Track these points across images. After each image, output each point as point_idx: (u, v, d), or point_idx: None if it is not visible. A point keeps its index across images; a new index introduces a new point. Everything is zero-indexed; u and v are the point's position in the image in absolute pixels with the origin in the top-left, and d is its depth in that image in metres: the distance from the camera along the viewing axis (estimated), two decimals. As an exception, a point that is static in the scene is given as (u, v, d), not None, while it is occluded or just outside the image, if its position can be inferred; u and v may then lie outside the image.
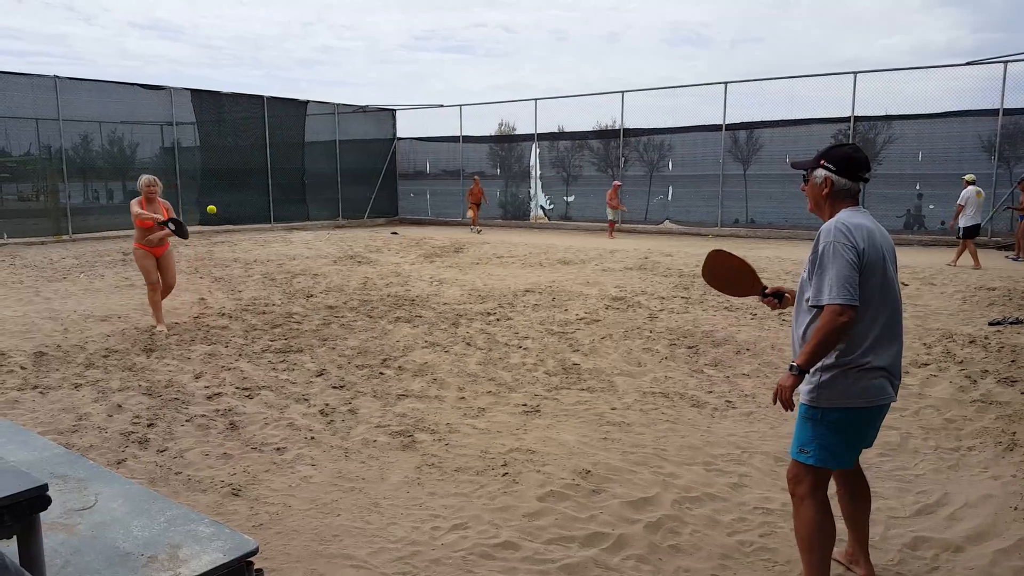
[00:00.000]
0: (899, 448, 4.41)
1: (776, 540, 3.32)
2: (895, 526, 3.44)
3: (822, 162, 2.79)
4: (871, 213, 2.85)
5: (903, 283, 10.14)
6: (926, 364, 6.12)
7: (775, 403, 2.68)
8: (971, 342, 6.76)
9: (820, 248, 2.63)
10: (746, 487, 3.87)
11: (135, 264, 7.96)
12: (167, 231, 7.54)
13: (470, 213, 21.31)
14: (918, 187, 17.22)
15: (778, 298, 3.11)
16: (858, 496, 3.00)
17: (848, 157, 2.75)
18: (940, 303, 8.75)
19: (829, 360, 2.63)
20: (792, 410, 2.71)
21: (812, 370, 2.66)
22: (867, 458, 4.24)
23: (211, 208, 13.59)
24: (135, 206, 7.39)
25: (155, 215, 7.43)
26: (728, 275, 3.27)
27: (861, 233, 2.61)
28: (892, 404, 2.81)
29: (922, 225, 17.26)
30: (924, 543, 3.27)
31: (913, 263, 12.48)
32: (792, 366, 2.62)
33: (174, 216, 7.67)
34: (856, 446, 2.77)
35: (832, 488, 2.97)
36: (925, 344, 6.77)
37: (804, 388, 2.72)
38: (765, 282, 3.20)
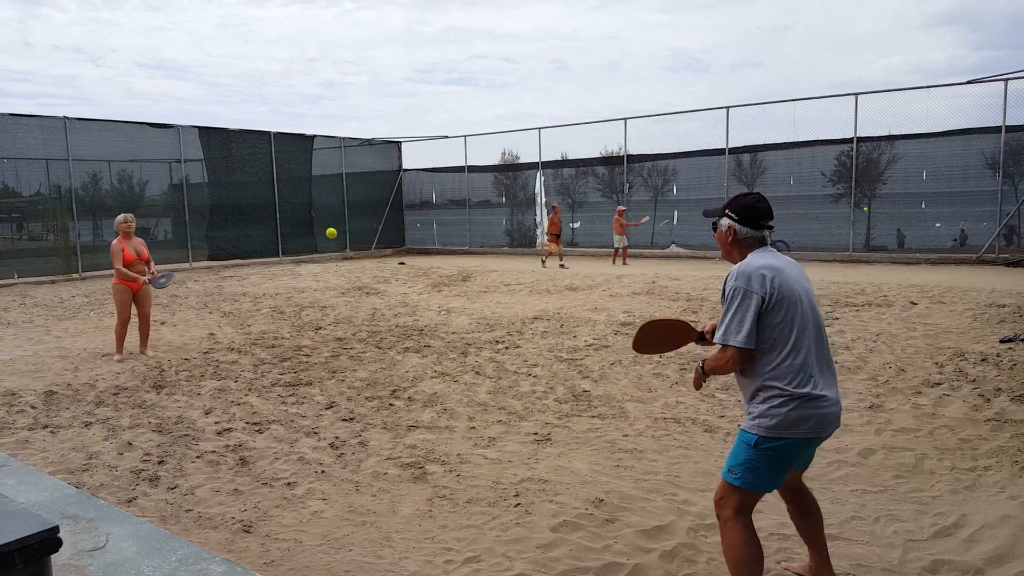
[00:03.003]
0: (915, 469, 4.36)
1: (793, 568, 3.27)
2: (913, 549, 3.39)
3: (726, 211, 2.94)
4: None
5: (912, 302, 10.09)
6: (938, 383, 6.06)
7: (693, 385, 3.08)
8: (983, 360, 6.71)
9: (725, 290, 2.83)
10: (761, 512, 3.82)
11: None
12: (146, 282, 8.13)
13: (551, 247, 18.49)
14: (923, 205, 17.21)
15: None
16: (806, 511, 3.08)
17: (750, 207, 2.90)
18: (950, 321, 8.70)
19: (769, 393, 2.74)
20: (699, 389, 3.12)
21: (753, 400, 2.81)
22: (883, 480, 4.20)
23: (331, 232, 13.68)
24: (116, 251, 7.99)
25: (140, 277, 8.04)
26: (659, 338, 3.38)
27: (766, 273, 2.74)
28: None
29: (901, 246, 17.23)
30: (944, 566, 3.22)
31: (922, 282, 12.43)
32: (701, 364, 2.95)
33: (154, 272, 8.28)
34: (784, 473, 2.85)
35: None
36: (937, 363, 6.72)
37: (748, 415, 2.84)
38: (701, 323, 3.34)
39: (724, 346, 2.78)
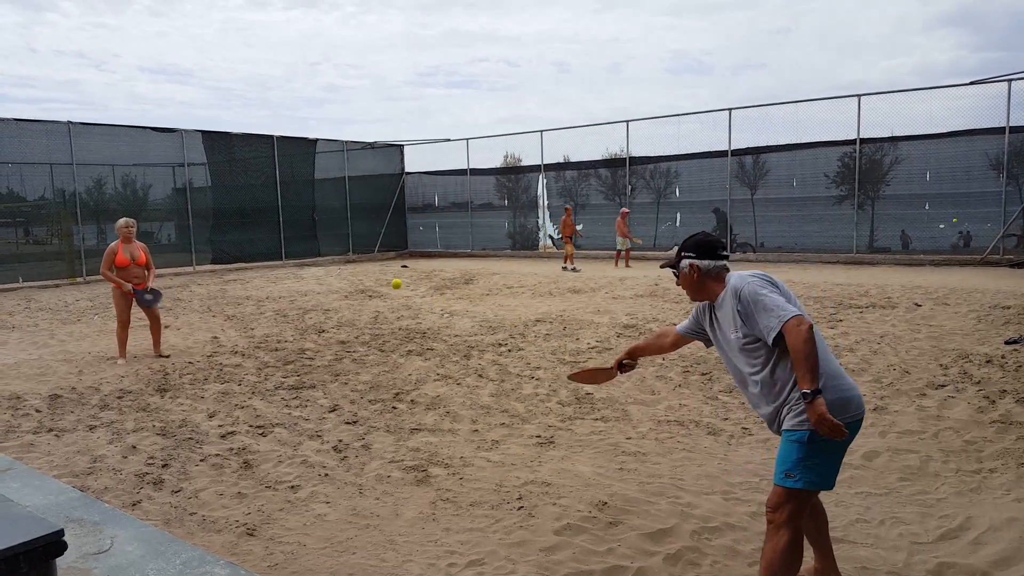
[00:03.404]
0: (919, 472, 4.35)
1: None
2: (918, 552, 3.38)
3: (682, 254, 3.05)
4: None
5: (916, 303, 10.07)
6: (943, 385, 6.05)
7: (827, 435, 2.61)
8: (988, 362, 6.69)
9: (742, 300, 2.81)
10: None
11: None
12: (135, 293, 8.09)
13: (568, 248, 18.27)
14: (927, 207, 17.19)
15: (626, 366, 3.63)
16: (812, 513, 3.05)
17: (703, 242, 3.03)
18: (955, 323, 8.68)
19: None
20: (844, 431, 2.61)
21: (794, 396, 2.74)
22: (887, 483, 4.19)
23: (396, 282, 13.91)
24: (109, 253, 8.01)
25: (126, 284, 8.01)
26: (591, 379, 3.97)
27: (753, 274, 2.88)
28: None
29: (907, 246, 17.24)
30: (949, 569, 3.21)
31: (925, 283, 12.41)
32: (805, 394, 2.60)
33: (151, 286, 8.24)
34: (839, 463, 2.82)
35: None
36: (941, 365, 6.70)
37: (788, 414, 2.78)
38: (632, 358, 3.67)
39: (790, 321, 2.63)
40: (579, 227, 21.20)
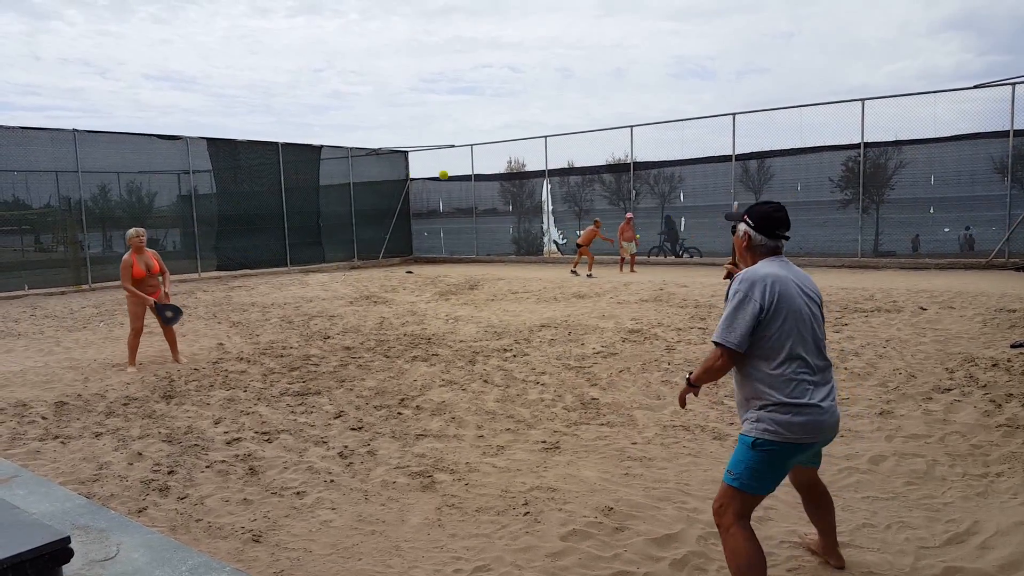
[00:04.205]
0: (926, 476, 4.33)
1: (803, 575, 3.26)
2: (925, 556, 3.36)
3: (744, 217, 3.08)
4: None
5: (922, 307, 10.04)
6: (949, 389, 6.03)
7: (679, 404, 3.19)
8: (994, 365, 6.67)
9: (729, 293, 2.94)
10: (772, 520, 3.81)
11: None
12: (156, 309, 8.11)
13: (587, 256, 18.12)
14: (932, 210, 17.15)
15: None
16: (819, 503, 3.25)
17: (767, 215, 3.02)
18: (960, 327, 8.65)
19: (763, 400, 2.84)
20: (683, 407, 3.22)
21: (749, 406, 2.91)
22: (894, 487, 4.18)
23: (443, 173, 13.69)
24: (126, 266, 7.99)
25: (149, 299, 8.03)
26: None
27: (768, 283, 2.84)
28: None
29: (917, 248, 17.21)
30: (956, 573, 3.20)
31: (931, 286, 12.37)
32: (687, 376, 3.10)
33: (167, 293, 8.28)
34: (780, 476, 2.92)
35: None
36: (947, 369, 6.68)
37: (744, 420, 2.94)
38: None
39: (716, 345, 2.88)
40: (580, 233, 20.97)
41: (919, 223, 17.26)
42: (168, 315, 8.13)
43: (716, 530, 3.67)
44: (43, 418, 6.06)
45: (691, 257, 20.45)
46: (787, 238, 3.03)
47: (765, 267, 2.92)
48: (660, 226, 20.89)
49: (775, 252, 3.02)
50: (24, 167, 17.03)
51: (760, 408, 2.85)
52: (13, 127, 16.82)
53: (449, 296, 14.07)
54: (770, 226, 2.99)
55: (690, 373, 3.08)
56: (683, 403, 3.19)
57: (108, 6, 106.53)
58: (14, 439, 5.48)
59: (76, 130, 17.57)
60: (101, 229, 18.66)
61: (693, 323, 9.67)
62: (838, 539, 3.35)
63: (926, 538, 3.55)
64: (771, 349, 2.81)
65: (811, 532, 3.48)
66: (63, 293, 16.70)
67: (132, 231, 8.10)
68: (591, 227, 18.56)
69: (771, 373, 2.82)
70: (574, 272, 17.80)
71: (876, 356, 7.30)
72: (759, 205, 3.07)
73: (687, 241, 20.85)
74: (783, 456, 2.84)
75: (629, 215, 18.81)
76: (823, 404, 2.83)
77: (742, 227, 3.06)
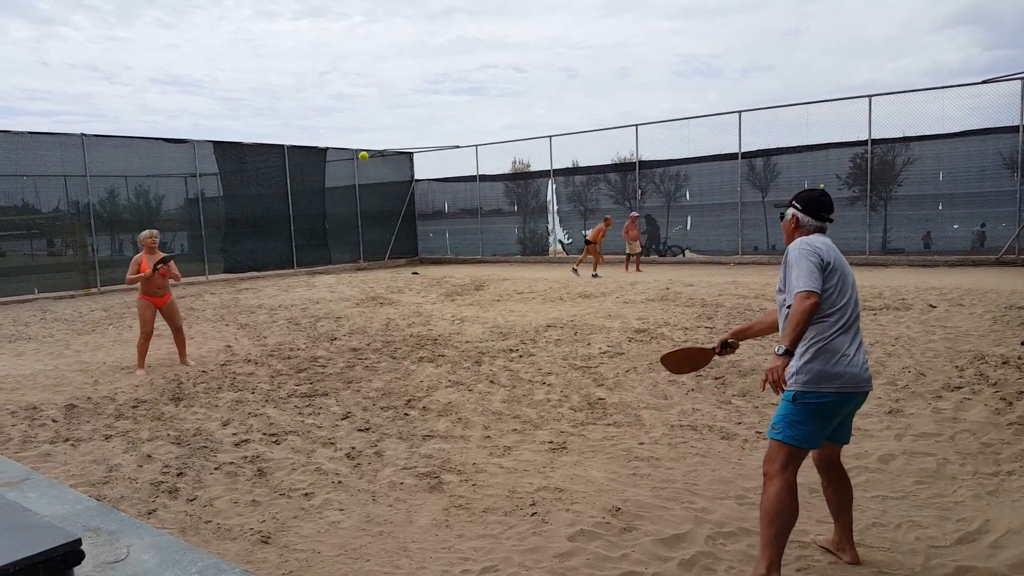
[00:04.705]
0: (936, 475, 4.31)
1: (813, 575, 3.24)
2: (936, 556, 3.35)
3: (792, 202, 3.35)
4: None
5: (931, 305, 10.00)
6: (959, 387, 6.00)
7: (764, 388, 3.07)
8: (1004, 363, 6.63)
9: (788, 255, 3.16)
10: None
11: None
12: (161, 267, 8.07)
13: (595, 256, 18.05)
14: (940, 207, 17.07)
15: (729, 346, 3.67)
16: (838, 486, 3.32)
17: (814, 199, 3.30)
18: (970, 324, 8.61)
19: (807, 350, 3.04)
20: (783, 390, 3.02)
21: (793, 360, 3.05)
22: (904, 486, 4.16)
23: (363, 155, 13.73)
24: (134, 263, 8.07)
25: (144, 267, 8.03)
26: (682, 362, 3.90)
27: (822, 244, 3.13)
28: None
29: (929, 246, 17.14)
30: (967, 573, 3.18)
31: (940, 284, 12.32)
32: (778, 346, 3.00)
33: (163, 257, 8.21)
34: (824, 429, 3.10)
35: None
36: (957, 367, 6.65)
37: (787, 374, 3.07)
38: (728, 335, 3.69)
39: (800, 293, 2.97)
40: (588, 233, 20.87)
41: (928, 220, 17.18)
42: (162, 264, 8.06)
43: (724, 530, 3.67)
44: (53, 421, 6.09)
45: (674, 256, 20.51)
46: (831, 220, 3.28)
47: (816, 237, 3.18)
48: (642, 225, 20.91)
49: (821, 232, 3.26)
50: (33, 171, 17.12)
51: (800, 357, 3.04)
52: (22, 132, 16.91)
53: (455, 297, 14.08)
54: (817, 208, 3.26)
55: (782, 346, 2.97)
56: (781, 385, 2.98)
57: (114, 11, 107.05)
58: (25, 442, 5.51)
59: (84, 134, 17.66)
60: (109, 233, 18.76)
61: (700, 322, 9.65)
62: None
63: (937, 537, 3.53)
64: (825, 300, 3.05)
65: (821, 533, 3.50)
66: (72, 297, 16.78)
67: (145, 232, 8.23)
68: (601, 224, 18.50)
69: (821, 321, 3.04)
70: (575, 271, 17.76)
71: (885, 354, 7.27)
72: (807, 191, 3.35)
73: (669, 239, 20.96)
74: (822, 409, 3.03)
75: (634, 214, 18.79)
76: (859, 358, 3.07)
77: (790, 211, 3.32)
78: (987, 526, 3.59)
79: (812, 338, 3.05)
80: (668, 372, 3.86)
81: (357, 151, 24.00)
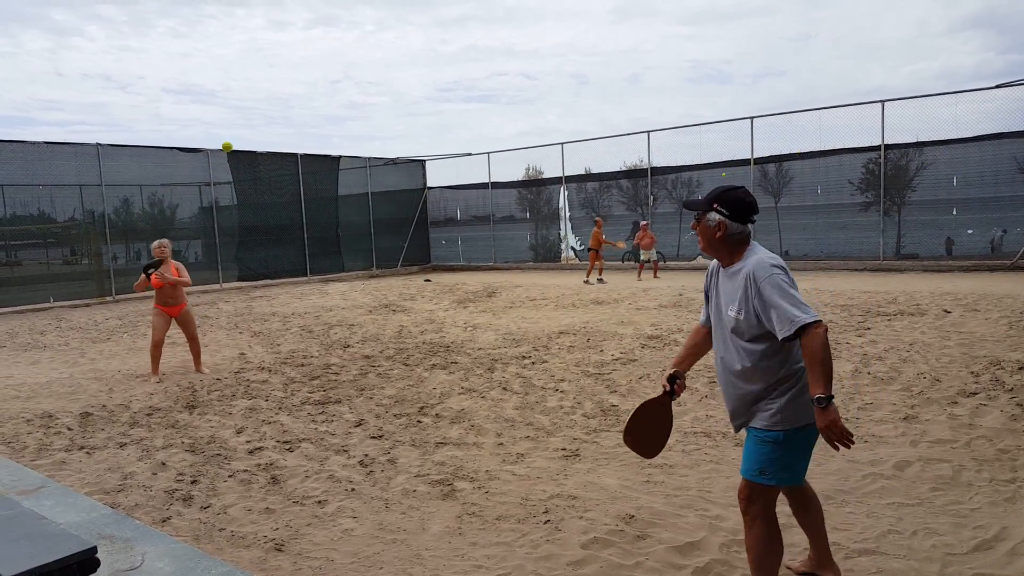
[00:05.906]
0: (952, 481, 4.27)
1: (829, 582, 3.22)
2: (952, 564, 3.31)
3: (715, 205, 2.85)
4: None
5: (946, 310, 9.92)
6: (975, 393, 5.94)
7: (838, 447, 2.62)
8: (1020, 368, 6.56)
9: (760, 286, 2.69)
10: (794, 527, 3.76)
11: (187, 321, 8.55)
12: (153, 273, 8.09)
13: (597, 261, 18.05)
14: (955, 212, 16.94)
15: (677, 379, 3.22)
16: (807, 505, 3.15)
17: (741, 201, 2.84)
18: (985, 329, 8.53)
19: (783, 385, 2.77)
20: (852, 441, 2.61)
21: (765, 400, 2.80)
22: (919, 493, 4.12)
23: (226, 144, 13.69)
24: (143, 276, 8.14)
25: (147, 280, 8.11)
26: (648, 426, 3.30)
27: (783, 264, 2.78)
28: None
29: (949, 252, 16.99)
30: (985, 582, 3.15)
31: (955, 289, 12.21)
32: (819, 399, 2.57)
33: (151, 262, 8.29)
34: (809, 457, 2.92)
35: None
36: (972, 372, 6.59)
37: (762, 413, 2.82)
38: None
39: (808, 325, 2.58)
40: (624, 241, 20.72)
41: (942, 225, 17.05)
42: (151, 270, 8.10)
43: (738, 538, 3.64)
44: (69, 429, 6.14)
45: (660, 262, 20.02)
46: (754, 222, 2.89)
47: (765, 254, 2.80)
48: (629, 231, 20.87)
49: (748, 240, 2.87)
50: (49, 181, 17.32)
51: (785, 392, 2.75)
52: (38, 142, 17.11)
53: (467, 304, 14.10)
54: (746, 213, 2.83)
55: (822, 396, 2.57)
56: (847, 438, 2.59)
57: (128, 22, 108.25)
58: (41, 450, 5.55)
59: (99, 144, 17.85)
60: (124, 241, 18.92)
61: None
62: (859, 546, 3.32)
63: (953, 544, 3.50)
64: None
65: (798, 557, 3.37)
66: (87, 305, 16.93)
67: (156, 242, 8.30)
68: (594, 229, 18.46)
69: (789, 350, 2.77)
70: (587, 281, 17.64)
71: (900, 360, 7.21)
72: (729, 191, 2.87)
73: (656, 246, 20.83)
74: (811, 438, 2.82)
75: (644, 222, 18.76)
76: None
77: (715, 216, 2.83)
78: (1004, 533, 3.55)
79: (782, 370, 2.76)
80: (639, 455, 3.35)
81: (369, 160, 24.13)
